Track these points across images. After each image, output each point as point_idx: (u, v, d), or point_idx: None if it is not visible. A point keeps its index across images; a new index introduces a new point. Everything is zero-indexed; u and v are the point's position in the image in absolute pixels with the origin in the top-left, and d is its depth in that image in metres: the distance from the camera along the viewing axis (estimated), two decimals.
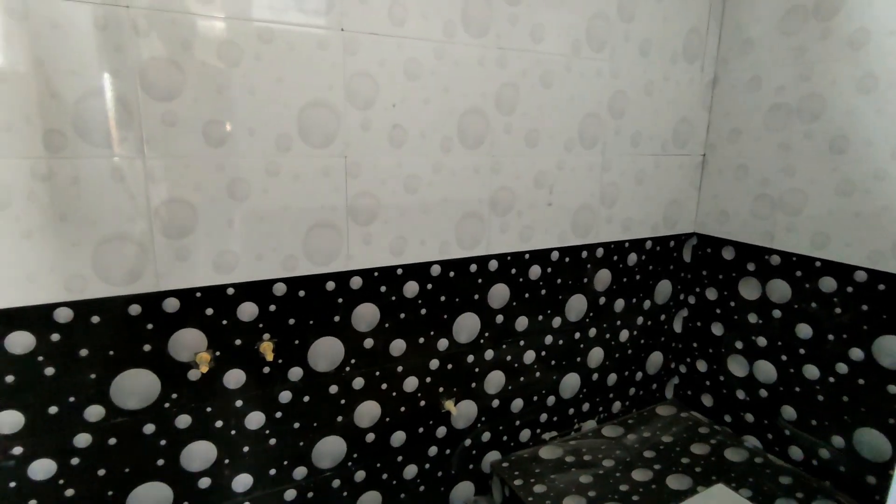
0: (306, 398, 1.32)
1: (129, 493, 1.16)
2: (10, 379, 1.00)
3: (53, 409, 1.05)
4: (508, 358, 1.63)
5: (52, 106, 0.95)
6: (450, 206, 1.40)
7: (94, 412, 1.09)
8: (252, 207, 1.15)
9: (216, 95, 1.07)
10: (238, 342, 1.21)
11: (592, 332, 1.79)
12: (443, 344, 1.49)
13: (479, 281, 1.50)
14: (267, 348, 1.23)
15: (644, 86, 1.64)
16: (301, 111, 1.16)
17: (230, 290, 1.18)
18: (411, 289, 1.40)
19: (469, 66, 1.33)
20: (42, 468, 1.06)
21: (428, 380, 1.49)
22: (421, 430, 1.52)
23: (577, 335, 1.76)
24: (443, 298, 1.46)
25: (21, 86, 0.92)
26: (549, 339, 1.69)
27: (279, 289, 1.23)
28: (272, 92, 1.12)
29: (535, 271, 1.60)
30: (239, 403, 1.24)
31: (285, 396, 1.29)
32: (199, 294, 1.14)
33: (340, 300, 1.31)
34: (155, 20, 0.99)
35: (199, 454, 1.22)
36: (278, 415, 1.29)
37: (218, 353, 1.19)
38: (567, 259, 1.65)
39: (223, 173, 1.11)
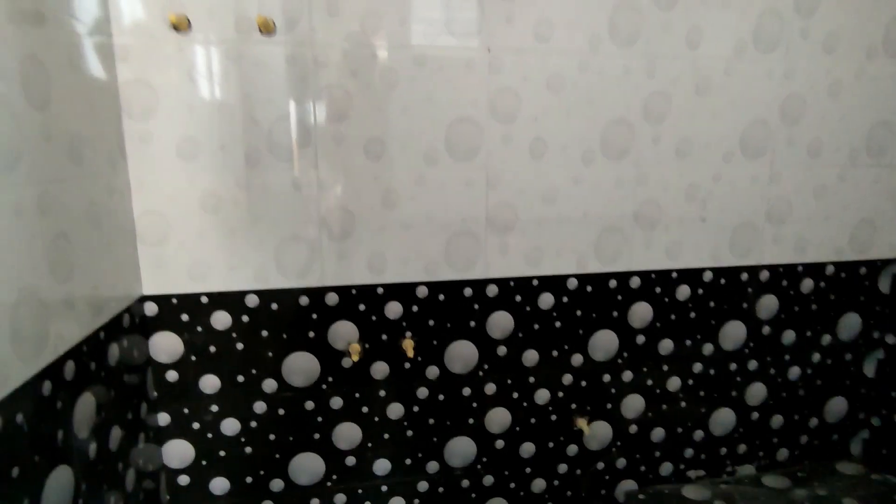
0: (441, 396, 1.40)
1: (291, 459, 1.34)
2: (212, 349, 1.25)
3: (241, 378, 1.27)
4: (649, 382, 1.53)
5: (253, 129, 1.17)
6: (589, 219, 1.38)
7: (270, 385, 1.29)
8: (401, 215, 1.28)
9: (376, 115, 1.22)
10: (384, 337, 1.33)
11: (753, 364, 1.59)
12: (577, 359, 1.46)
13: (619, 298, 1.45)
14: (408, 346, 1.33)
15: (827, 87, 1.44)
16: (448, 127, 1.25)
17: (380, 290, 1.31)
18: (546, 300, 1.40)
19: (614, 76, 1.30)
20: (230, 426, 1.29)
21: (560, 394, 1.47)
22: (551, 444, 1.50)
23: (734, 366, 1.58)
24: (579, 313, 1.43)
25: (233, 114, 1.16)
26: (698, 367, 1.55)
27: (421, 291, 1.33)
28: (423, 110, 1.23)
29: (683, 291, 1.48)
30: (382, 393, 1.36)
31: (422, 392, 1.38)
32: (354, 291, 1.29)
33: (476, 306, 1.37)
34: (331, 54, 1.17)
35: (348, 434, 1.36)
36: (415, 409, 1.39)
37: (367, 346, 1.33)
38: (722, 280, 1.50)
39: (378, 184, 1.25)
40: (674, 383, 1.55)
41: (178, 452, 1.28)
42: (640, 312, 1.47)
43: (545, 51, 1.26)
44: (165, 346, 1.22)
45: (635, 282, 1.45)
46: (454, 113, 1.25)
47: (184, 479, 1.29)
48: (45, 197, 0.81)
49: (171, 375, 1.24)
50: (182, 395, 1.25)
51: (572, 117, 1.31)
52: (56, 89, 0.86)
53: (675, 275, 1.47)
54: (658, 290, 1.47)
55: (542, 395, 1.46)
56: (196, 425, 1.27)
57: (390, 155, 1.24)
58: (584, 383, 1.48)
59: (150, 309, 1.20)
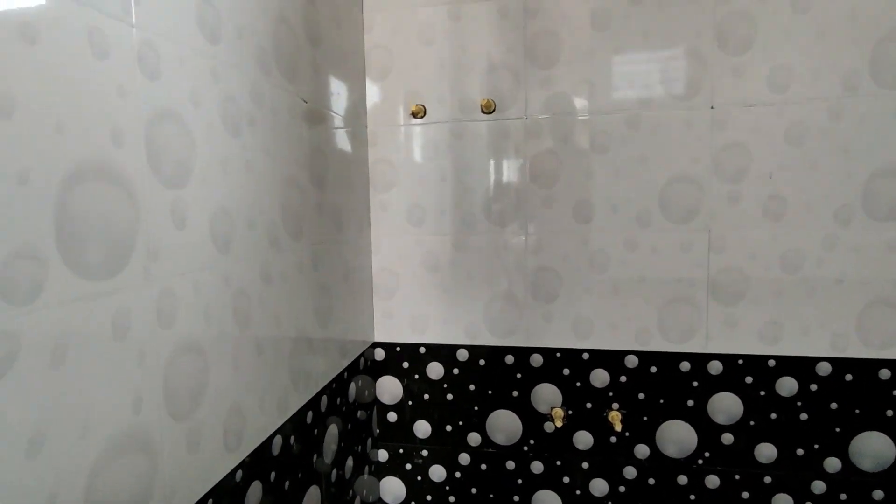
0: (651, 480, 1.26)
1: None
2: (426, 397, 1.35)
3: (448, 427, 1.35)
4: None
5: (469, 196, 1.29)
6: (847, 290, 1.14)
7: (474, 438, 1.34)
8: (609, 278, 1.24)
9: (585, 179, 1.23)
10: (588, 405, 1.28)
11: None
12: (832, 464, 1.18)
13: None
14: (615, 418, 1.25)
15: None
16: (663, 187, 1.19)
17: (585, 356, 1.27)
18: (788, 386, 1.18)
19: (880, 119, 1.09)
20: (437, 472, 1.37)
21: None
22: None
23: None
24: (834, 406, 1.17)
25: (453, 183, 1.30)
26: None
27: (631, 361, 1.25)
28: (635, 171, 1.20)
29: None
30: (585, 465, 1.29)
31: (630, 472, 1.27)
32: (558, 354, 1.28)
33: (695, 384, 1.22)
34: (543, 123, 1.24)
35: (548, 503, 1.32)
36: (622, 489, 1.28)
37: (570, 412, 1.29)
38: None
39: (586, 246, 1.24)
40: None
41: (393, 489, 1.39)
42: None
43: (782, 101, 1.13)
44: (389, 388, 1.37)
45: None
46: (670, 173, 1.19)
47: None
48: (316, 256, 1.02)
49: (391, 416, 1.38)
50: (399, 436, 1.38)
51: (819, 171, 1.13)
52: (328, 170, 1.09)
53: None
54: None
55: (783, 501, 1.21)
56: (408, 466, 1.38)
57: (600, 217, 1.23)
58: (843, 497, 1.18)
59: (379, 354, 1.37)
